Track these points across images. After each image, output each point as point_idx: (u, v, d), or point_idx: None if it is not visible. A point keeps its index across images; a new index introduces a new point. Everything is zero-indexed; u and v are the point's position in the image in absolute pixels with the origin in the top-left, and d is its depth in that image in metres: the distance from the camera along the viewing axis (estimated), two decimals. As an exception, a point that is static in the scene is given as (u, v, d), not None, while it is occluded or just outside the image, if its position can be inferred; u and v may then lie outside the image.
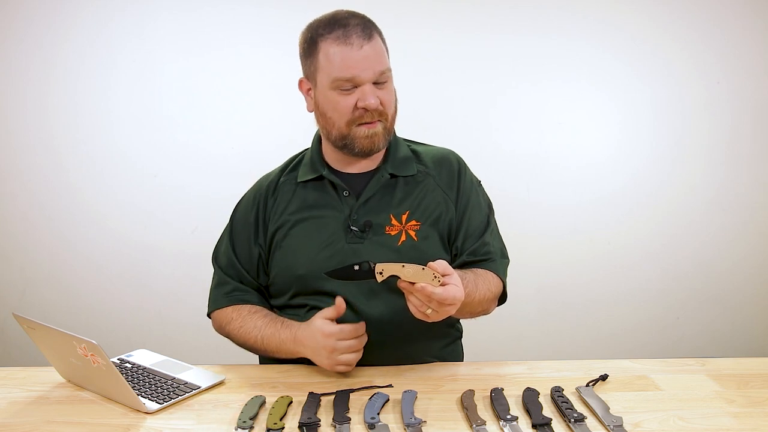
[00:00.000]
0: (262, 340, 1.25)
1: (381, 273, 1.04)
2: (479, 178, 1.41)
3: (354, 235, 1.26)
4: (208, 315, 1.39)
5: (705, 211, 2.56)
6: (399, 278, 1.05)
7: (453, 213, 1.31)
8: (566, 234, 2.55)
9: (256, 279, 1.35)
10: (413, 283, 1.04)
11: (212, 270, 1.40)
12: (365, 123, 1.22)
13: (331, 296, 1.23)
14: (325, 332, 1.14)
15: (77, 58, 2.46)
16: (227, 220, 1.41)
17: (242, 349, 1.43)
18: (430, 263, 1.05)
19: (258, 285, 1.35)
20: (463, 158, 1.40)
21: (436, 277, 1.03)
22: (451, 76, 2.48)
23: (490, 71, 2.49)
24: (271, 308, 1.35)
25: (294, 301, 1.30)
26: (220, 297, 1.35)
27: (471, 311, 1.24)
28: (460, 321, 1.43)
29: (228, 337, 1.34)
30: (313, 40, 1.22)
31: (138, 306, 2.56)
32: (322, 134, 1.32)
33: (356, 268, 1.05)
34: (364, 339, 1.17)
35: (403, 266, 1.03)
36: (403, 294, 1.09)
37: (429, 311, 1.06)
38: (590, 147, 2.54)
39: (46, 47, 2.45)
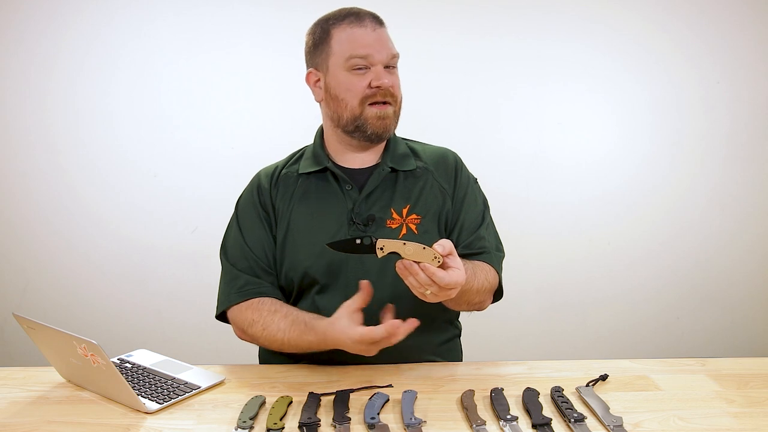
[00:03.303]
0: (289, 343, 1.21)
1: (382, 249, 1.04)
2: (476, 176, 1.42)
3: (356, 229, 1.27)
4: (218, 315, 1.32)
5: (704, 210, 2.56)
6: (398, 258, 1.04)
7: (450, 207, 1.33)
8: (566, 234, 2.55)
9: (272, 267, 1.31)
10: (417, 262, 1.03)
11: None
12: (377, 103, 1.24)
13: (335, 291, 1.25)
14: (354, 339, 1.10)
15: (77, 58, 2.46)
16: (227, 220, 1.40)
17: (241, 350, 1.43)
18: (435, 244, 1.05)
19: (273, 274, 1.31)
20: (460, 157, 1.41)
21: (436, 257, 1.03)
22: (454, 76, 2.48)
23: (492, 73, 2.48)
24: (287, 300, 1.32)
25: (302, 299, 1.31)
26: (233, 293, 1.29)
27: (468, 300, 1.24)
28: (459, 319, 1.43)
29: (253, 341, 1.28)
30: (324, 30, 1.26)
31: (138, 306, 2.56)
32: (330, 123, 1.32)
33: (358, 242, 1.04)
34: (398, 335, 1.09)
35: (405, 244, 1.03)
36: (402, 285, 1.08)
37: (428, 292, 1.05)
38: (590, 147, 2.54)
39: (46, 47, 2.45)
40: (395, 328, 1.07)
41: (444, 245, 1.05)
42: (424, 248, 1.03)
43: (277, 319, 1.23)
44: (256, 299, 1.27)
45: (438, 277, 1.03)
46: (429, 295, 1.06)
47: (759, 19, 2.47)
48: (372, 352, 1.12)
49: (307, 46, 1.30)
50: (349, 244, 1.05)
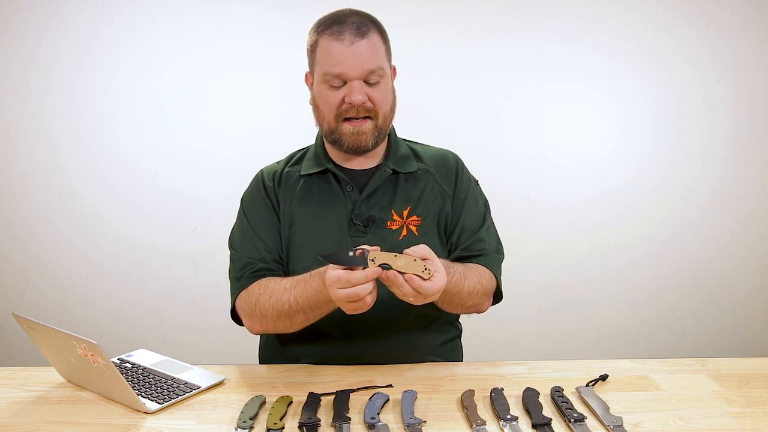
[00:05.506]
0: (296, 300, 1.17)
1: (373, 260, 1.04)
2: (477, 178, 1.42)
3: (357, 229, 1.27)
4: (233, 309, 1.30)
5: (705, 210, 2.56)
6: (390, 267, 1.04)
7: (450, 208, 1.33)
8: (567, 234, 2.55)
9: (282, 259, 1.30)
10: (403, 274, 1.03)
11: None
12: (351, 119, 1.24)
13: None
14: (326, 281, 1.07)
15: (77, 58, 2.46)
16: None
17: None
18: (407, 250, 1.04)
19: (282, 264, 1.31)
20: (461, 158, 1.41)
21: (426, 269, 1.03)
22: (455, 76, 2.48)
23: (493, 73, 2.48)
24: None
25: None
26: (245, 277, 1.27)
27: (461, 303, 1.23)
28: (459, 319, 1.43)
29: (263, 320, 1.23)
30: (314, 35, 1.25)
31: (138, 306, 2.56)
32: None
33: (351, 254, 1.05)
34: (367, 287, 1.04)
35: (396, 256, 1.04)
36: None
37: (412, 298, 1.06)
38: (591, 147, 2.54)
39: (46, 47, 2.45)
40: (374, 274, 1.03)
41: (422, 251, 1.05)
42: (414, 261, 1.03)
43: (283, 283, 1.21)
44: (263, 278, 1.26)
45: (424, 289, 1.03)
46: (413, 300, 1.06)
47: (759, 19, 2.47)
48: (351, 306, 1.07)
49: (306, 45, 1.29)
50: (342, 257, 1.05)
